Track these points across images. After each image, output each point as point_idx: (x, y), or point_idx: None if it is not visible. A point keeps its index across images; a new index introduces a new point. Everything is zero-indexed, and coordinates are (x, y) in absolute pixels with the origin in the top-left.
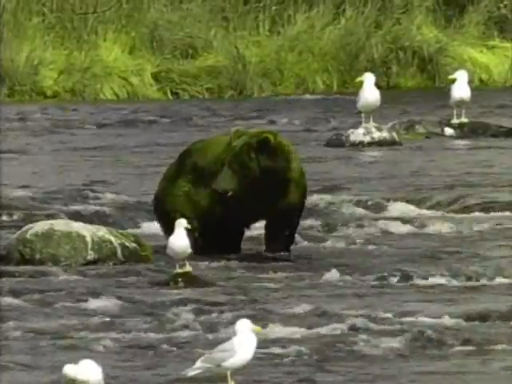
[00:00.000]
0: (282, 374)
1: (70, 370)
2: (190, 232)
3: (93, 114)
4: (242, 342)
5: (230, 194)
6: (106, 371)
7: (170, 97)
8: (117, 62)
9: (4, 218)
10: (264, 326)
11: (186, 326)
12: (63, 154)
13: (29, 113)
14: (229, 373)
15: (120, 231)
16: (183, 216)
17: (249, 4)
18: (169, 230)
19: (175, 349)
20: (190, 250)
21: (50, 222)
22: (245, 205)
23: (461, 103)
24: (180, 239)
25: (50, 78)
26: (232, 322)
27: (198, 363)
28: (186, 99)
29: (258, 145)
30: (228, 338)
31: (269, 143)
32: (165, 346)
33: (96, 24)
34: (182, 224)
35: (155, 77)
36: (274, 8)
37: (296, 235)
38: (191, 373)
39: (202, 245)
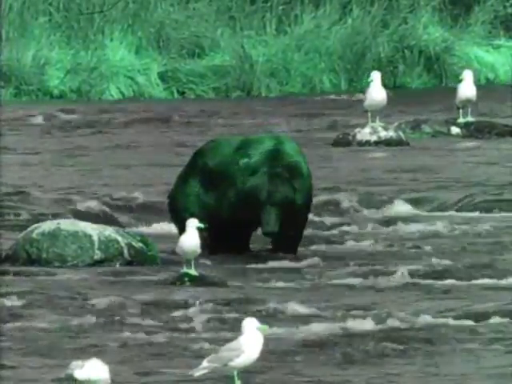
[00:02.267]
0: (288, 373)
1: (80, 373)
2: (200, 232)
3: (99, 113)
4: (249, 342)
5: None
6: (113, 371)
7: (177, 96)
8: (123, 61)
9: (10, 217)
10: (271, 326)
11: (192, 326)
12: (69, 153)
13: (35, 112)
14: (235, 372)
15: (127, 231)
16: (193, 215)
17: (255, 3)
18: (181, 229)
19: (181, 348)
20: (199, 250)
21: (56, 221)
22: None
23: (467, 102)
24: (190, 239)
25: (57, 78)
26: (239, 322)
27: (205, 363)
28: (193, 99)
29: (287, 172)
30: (235, 338)
31: (299, 169)
32: (171, 346)
33: (102, 23)
34: (192, 223)
35: (162, 76)
36: (280, 7)
37: (303, 235)
38: (198, 372)
39: (210, 244)
